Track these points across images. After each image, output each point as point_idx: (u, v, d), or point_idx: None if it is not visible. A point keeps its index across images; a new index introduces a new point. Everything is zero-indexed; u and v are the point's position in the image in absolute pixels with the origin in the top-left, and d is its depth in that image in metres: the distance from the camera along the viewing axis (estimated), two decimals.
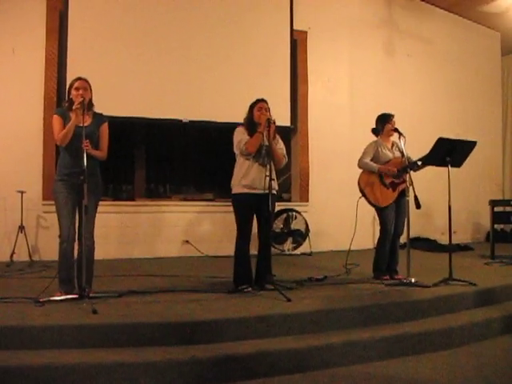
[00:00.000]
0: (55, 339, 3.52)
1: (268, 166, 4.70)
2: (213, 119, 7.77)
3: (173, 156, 8.98)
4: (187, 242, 7.59)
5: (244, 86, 7.79)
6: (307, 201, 8.45)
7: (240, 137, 4.92)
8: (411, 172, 5.22)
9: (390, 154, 5.56)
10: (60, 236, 4.36)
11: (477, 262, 7.01)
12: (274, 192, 4.87)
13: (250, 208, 4.87)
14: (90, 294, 4.26)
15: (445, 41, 9.81)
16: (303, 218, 8.06)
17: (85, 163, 4.19)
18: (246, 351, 3.58)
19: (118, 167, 8.29)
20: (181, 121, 7.64)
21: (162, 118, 7.56)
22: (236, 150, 4.95)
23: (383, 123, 5.60)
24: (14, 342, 3.47)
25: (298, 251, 7.98)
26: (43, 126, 7.03)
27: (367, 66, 9.03)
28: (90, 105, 4.51)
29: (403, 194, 5.37)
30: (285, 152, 5.10)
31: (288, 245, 7.94)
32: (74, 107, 4.35)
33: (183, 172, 9.12)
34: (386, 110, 5.76)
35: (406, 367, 3.76)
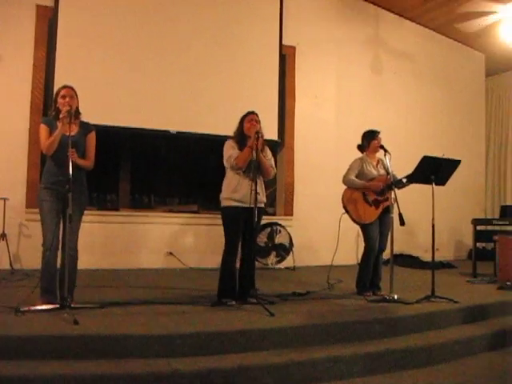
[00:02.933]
0: (35, 349, 3.47)
1: (256, 180, 4.70)
2: (200, 131, 7.77)
3: (158, 167, 8.95)
4: (171, 253, 7.55)
5: (232, 99, 7.81)
6: (291, 215, 8.47)
7: (230, 151, 4.92)
8: (395, 189, 5.26)
9: (374, 172, 5.59)
10: (43, 244, 4.32)
11: (459, 279, 7.05)
12: (262, 205, 4.90)
13: (240, 221, 4.86)
14: (72, 305, 4.22)
15: (431, 60, 9.95)
16: (287, 232, 8.07)
17: (70, 172, 4.17)
18: (228, 365, 3.55)
19: (102, 176, 8.23)
20: (168, 131, 7.63)
21: (149, 128, 7.55)
22: (226, 164, 4.95)
23: (369, 139, 5.64)
24: None
25: (281, 265, 7.98)
26: (28, 134, 6.99)
27: (354, 82, 9.12)
28: (77, 113, 4.50)
29: (387, 210, 5.40)
30: (273, 163, 5.11)
31: (272, 259, 7.93)
32: (60, 116, 4.32)
33: (168, 183, 9.09)
34: (372, 126, 5.80)
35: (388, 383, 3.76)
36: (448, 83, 10.13)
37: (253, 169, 4.82)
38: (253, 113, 5.05)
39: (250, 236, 4.87)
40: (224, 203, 4.95)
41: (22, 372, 3.23)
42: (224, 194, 4.97)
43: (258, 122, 5.00)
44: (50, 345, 3.50)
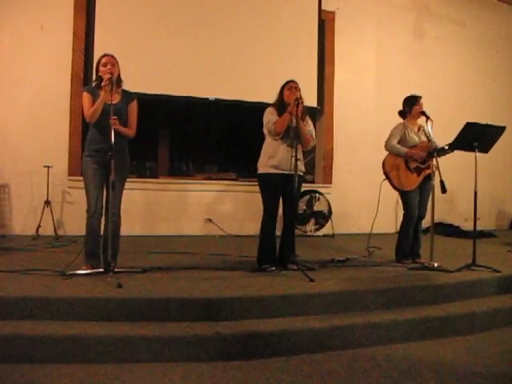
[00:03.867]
0: (81, 311, 3.59)
1: (295, 147, 4.69)
2: (238, 98, 7.75)
3: (197, 134, 8.99)
4: (210, 220, 7.63)
5: (271, 66, 7.75)
6: (330, 183, 8.44)
7: (269, 117, 4.92)
8: (437, 156, 5.17)
9: (416, 138, 5.51)
10: (87, 210, 4.42)
11: (500, 249, 6.95)
12: (301, 173, 4.90)
13: (277, 188, 4.88)
14: (115, 269, 4.33)
15: (476, 24, 9.62)
16: (326, 199, 8.05)
17: (112, 140, 4.23)
18: (269, 329, 3.61)
19: (142, 144, 8.31)
20: (207, 99, 7.64)
21: (188, 95, 7.56)
22: (265, 130, 4.95)
23: (411, 105, 5.54)
24: (40, 312, 3.55)
25: (320, 233, 7.99)
26: (70, 103, 7.09)
27: (395, 47, 8.93)
28: (119, 81, 4.55)
29: (428, 177, 5.33)
30: (313, 133, 5.08)
31: (310, 226, 7.94)
32: (102, 84, 4.36)
33: (207, 151, 9.14)
34: (413, 92, 5.69)
35: (428, 350, 3.76)
36: (494, 48, 9.80)
37: (292, 135, 4.80)
38: (292, 81, 5.02)
39: (290, 203, 4.88)
40: (261, 170, 4.97)
41: (69, 332, 3.36)
42: (261, 161, 4.99)
43: (298, 89, 4.96)
44: (95, 307, 3.62)
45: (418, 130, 5.61)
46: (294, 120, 4.78)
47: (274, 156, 4.87)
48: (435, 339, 3.98)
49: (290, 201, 4.85)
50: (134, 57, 6.98)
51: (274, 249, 4.96)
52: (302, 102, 4.80)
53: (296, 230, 5.54)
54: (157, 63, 7.36)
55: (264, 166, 4.93)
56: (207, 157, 9.15)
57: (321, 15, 8.28)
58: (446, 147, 5.25)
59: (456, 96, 9.35)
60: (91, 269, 4.37)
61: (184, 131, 8.87)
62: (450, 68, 9.40)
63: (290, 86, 4.96)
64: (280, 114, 4.87)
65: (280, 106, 4.95)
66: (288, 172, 4.72)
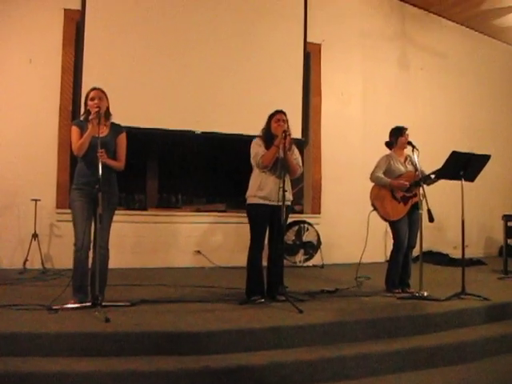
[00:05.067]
0: (68, 347, 3.54)
1: (284, 178, 4.71)
2: (224, 131, 7.81)
3: (185, 167, 9.02)
4: (199, 252, 7.60)
5: (256, 98, 7.83)
6: (319, 213, 8.46)
7: (256, 149, 4.96)
8: (424, 185, 5.21)
9: (402, 168, 5.56)
10: (75, 244, 4.40)
11: (490, 276, 6.96)
12: (289, 203, 4.93)
13: (265, 219, 4.90)
14: (103, 303, 4.28)
15: (459, 55, 9.80)
16: (315, 230, 8.06)
17: (100, 173, 4.23)
18: (259, 362, 3.58)
19: (130, 177, 8.32)
20: (193, 132, 7.69)
21: (174, 129, 7.62)
22: (252, 162, 4.98)
23: (397, 136, 5.61)
24: (27, 348, 3.49)
25: (309, 263, 7.97)
26: (58, 136, 7.10)
27: (381, 78, 9.05)
28: (107, 114, 4.58)
29: (416, 206, 5.36)
30: (300, 162, 5.13)
31: (300, 257, 7.93)
32: (90, 118, 4.40)
33: (195, 183, 9.15)
34: (399, 122, 5.78)
35: (419, 381, 3.74)
36: (477, 77, 9.96)
37: (279, 167, 4.84)
38: (280, 112, 5.06)
39: (278, 234, 4.89)
40: (250, 201, 4.99)
41: (56, 368, 3.31)
42: (250, 192, 5.01)
43: (286, 121, 5.01)
44: (82, 342, 3.57)
45: (405, 160, 5.66)
46: (282, 152, 4.81)
47: (262, 188, 4.90)
48: (426, 369, 3.95)
49: (278, 231, 4.86)
50: (122, 90, 7.02)
51: (262, 280, 4.94)
52: (290, 134, 4.84)
53: (285, 261, 5.53)
54: (144, 97, 7.42)
55: (253, 197, 4.95)
56: (196, 188, 9.16)
57: (306, 47, 8.40)
58: (432, 176, 5.29)
59: (442, 125, 9.46)
60: (79, 303, 4.32)
61: (172, 163, 8.89)
62: (435, 98, 9.53)
63: (278, 118, 5.00)
64: (267, 146, 4.91)
65: (267, 137, 4.99)
66: (276, 203, 4.74)
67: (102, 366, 3.38)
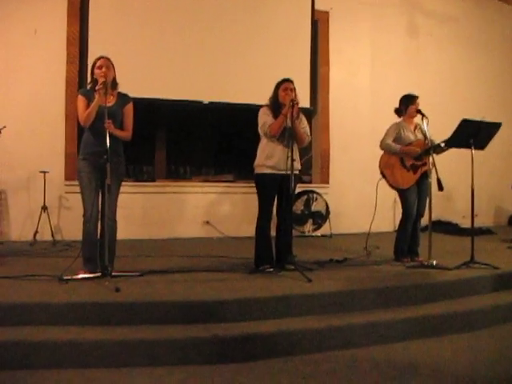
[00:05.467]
0: (79, 316, 3.58)
1: (291, 147, 4.68)
2: (232, 101, 7.75)
3: (193, 137, 8.99)
4: (208, 222, 7.62)
5: (264, 67, 7.74)
6: (328, 182, 8.43)
7: (264, 118, 4.92)
8: (434, 154, 5.17)
9: (412, 136, 5.50)
10: (84, 215, 4.40)
11: (499, 245, 6.95)
12: (297, 172, 4.91)
13: (273, 188, 4.89)
14: (113, 273, 4.31)
15: (471, 21, 9.61)
16: (324, 199, 8.04)
17: (108, 143, 4.22)
18: (267, 330, 3.60)
19: (138, 148, 8.31)
20: (201, 102, 7.64)
21: (182, 99, 7.57)
22: (260, 131, 4.95)
23: (407, 104, 5.53)
24: (38, 317, 3.54)
25: (318, 233, 7.98)
26: (65, 107, 7.08)
27: (389, 46, 8.92)
28: (114, 84, 4.54)
29: (425, 175, 5.33)
30: (308, 131, 5.09)
31: (308, 226, 7.94)
32: (96, 87, 4.36)
33: (203, 153, 9.12)
34: (408, 91, 5.70)
35: (427, 349, 3.75)
36: (489, 45, 9.78)
37: (287, 136, 4.80)
38: (288, 80, 5.00)
39: (287, 203, 4.88)
40: (257, 170, 4.97)
41: (67, 337, 3.35)
42: (258, 161, 4.99)
43: (293, 89, 4.96)
44: (93, 311, 3.61)
45: (415, 128, 5.60)
46: (289, 121, 4.77)
47: (271, 157, 4.87)
48: (434, 337, 3.97)
49: (287, 201, 4.85)
50: (128, 61, 6.94)
51: (271, 249, 4.95)
52: (297, 103, 4.80)
53: (294, 231, 5.53)
54: (151, 67, 7.36)
55: (261, 166, 4.93)
56: (204, 159, 9.14)
57: (314, 15, 8.28)
58: (442, 144, 5.24)
59: (452, 93, 9.34)
60: (89, 273, 4.35)
61: (181, 134, 8.85)
62: (444, 65, 9.39)
63: (285, 86, 4.94)
64: (275, 115, 4.88)
65: (275, 106, 4.94)
66: (284, 172, 4.72)
67: (112, 335, 3.42)
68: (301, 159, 5.18)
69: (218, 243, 7.08)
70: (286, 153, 4.72)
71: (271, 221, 4.98)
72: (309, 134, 5.10)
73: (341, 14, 8.55)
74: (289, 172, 4.64)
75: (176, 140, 8.74)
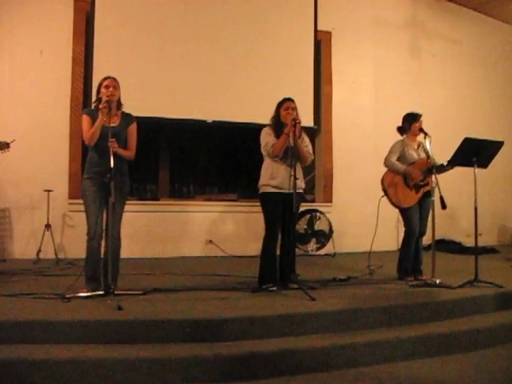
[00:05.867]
0: (81, 334, 3.56)
1: (294, 166, 4.70)
2: (236, 120, 7.80)
3: (197, 156, 9.03)
4: (211, 241, 7.62)
5: (267, 87, 7.80)
6: (331, 201, 8.43)
7: (267, 138, 4.95)
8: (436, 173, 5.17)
9: (415, 155, 5.51)
10: (88, 233, 4.41)
11: (503, 264, 6.92)
12: (301, 191, 4.92)
13: (279, 207, 4.88)
14: (116, 292, 4.30)
15: (472, 41, 9.69)
16: (327, 218, 8.05)
17: (112, 162, 4.24)
18: (271, 349, 3.58)
19: (142, 167, 8.35)
20: (205, 121, 7.68)
21: (186, 118, 7.62)
22: (263, 151, 4.98)
23: (410, 122, 5.55)
24: (41, 336, 3.52)
25: (321, 252, 7.96)
26: (69, 126, 7.13)
27: (392, 66, 8.98)
28: (119, 104, 4.58)
29: (428, 194, 5.33)
30: (311, 149, 5.12)
31: (312, 245, 7.93)
32: (100, 106, 4.40)
33: (207, 172, 9.16)
34: (411, 110, 5.71)
35: (432, 368, 3.72)
36: (490, 64, 9.85)
37: (290, 155, 4.82)
38: (289, 99, 5.04)
39: (290, 222, 4.88)
40: (262, 190, 4.98)
41: (69, 355, 3.32)
42: (262, 181, 5.00)
43: (295, 108, 4.99)
44: (95, 329, 3.59)
45: (418, 146, 5.62)
46: (292, 140, 4.79)
47: (275, 177, 4.89)
48: (439, 356, 3.94)
49: (290, 219, 4.85)
50: (132, 80, 7.00)
51: (276, 268, 4.93)
52: (299, 122, 4.82)
53: (297, 250, 5.53)
54: (155, 86, 7.42)
55: (266, 185, 4.95)
56: (207, 178, 9.17)
57: (317, 35, 8.35)
58: (445, 164, 5.25)
59: (455, 112, 9.38)
60: (91, 292, 4.35)
61: (184, 153, 8.90)
62: (448, 85, 9.45)
63: (287, 106, 4.98)
64: (277, 134, 4.90)
65: (277, 125, 4.97)
66: (288, 191, 4.73)
67: (114, 354, 3.40)
68: (304, 178, 5.19)
69: (220, 262, 7.06)
70: (290, 172, 4.73)
71: (278, 239, 4.98)
72: (311, 152, 5.12)
73: (343, 34, 8.63)
74: (293, 191, 4.65)
75: (179, 159, 8.78)
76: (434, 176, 5.15)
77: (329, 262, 7.17)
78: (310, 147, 5.10)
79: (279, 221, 4.94)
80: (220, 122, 7.79)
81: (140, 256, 6.98)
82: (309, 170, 7.96)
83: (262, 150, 4.99)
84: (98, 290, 4.36)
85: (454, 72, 9.53)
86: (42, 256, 6.63)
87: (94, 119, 4.45)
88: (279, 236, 4.98)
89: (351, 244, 8.09)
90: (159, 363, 3.36)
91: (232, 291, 4.78)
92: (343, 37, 8.64)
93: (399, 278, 5.46)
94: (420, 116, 5.57)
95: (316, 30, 8.34)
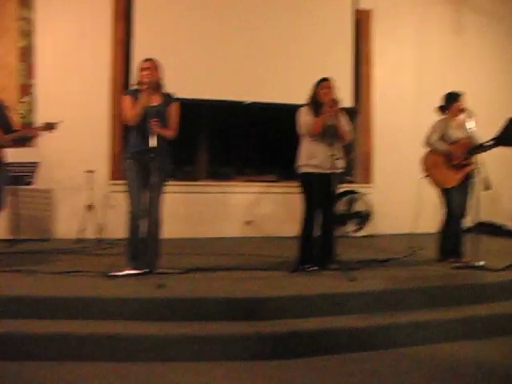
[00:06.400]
0: (125, 311, 3.65)
1: (334, 145, 4.67)
2: (274, 100, 7.76)
3: (235, 137, 9.03)
4: (250, 222, 7.64)
5: (306, 67, 7.70)
6: (371, 182, 8.35)
7: (304, 117, 4.91)
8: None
9: (457, 134, 5.38)
10: (129, 212, 4.48)
11: None
12: (341, 170, 4.90)
13: (318, 187, 4.85)
14: (157, 270, 4.37)
15: None
16: (366, 199, 7.98)
17: (153, 142, 4.29)
18: (310, 328, 3.60)
19: (181, 148, 8.39)
20: (243, 102, 7.68)
21: (224, 99, 7.62)
22: (300, 131, 4.94)
23: (451, 101, 5.43)
24: (85, 312, 3.62)
25: (361, 233, 7.91)
26: (110, 107, 7.21)
27: (435, 44, 8.76)
28: (159, 85, 4.61)
29: (469, 175, 5.23)
30: (349, 127, 5.07)
31: (351, 226, 7.88)
32: (142, 87, 4.45)
33: (246, 153, 9.15)
34: (453, 89, 5.59)
35: (474, 350, 3.69)
36: None
37: (329, 135, 4.78)
38: (327, 79, 4.99)
39: (330, 202, 4.87)
40: (302, 170, 4.96)
41: (113, 331, 3.42)
42: (301, 161, 4.98)
43: (333, 88, 4.94)
44: (138, 306, 3.68)
45: (460, 126, 5.49)
46: (330, 119, 4.76)
47: (314, 156, 4.87)
48: (482, 339, 3.89)
49: (330, 199, 4.83)
50: (173, 61, 6.96)
51: (315, 248, 4.92)
52: (338, 101, 4.78)
53: (336, 231, 5.49)
54: (194, 68, 7.42)
55: (305, 166, 4.92)
56: (246, 159, 9.16)
57: (356, 14, 8.21)
58: (488, 143, 5.13)
59: (498, 92, 9.12)
60: (133, 270, 4.43)
61: (222, 134, 8.91)
62: (490, 63, 9.18)
63: (324, 85, 4.93)
64: (315, 114, 4.86)
65: (314, 105, 4.93)
66: (328, 171, 4.71)
67: (155, 330, 3.47)
68: (345, 157, 5.15)
69: (259, 242, 7.09)
70: (329, 151, 4.70)
71: (316, 220, 4.96)
72: (350, 130, 5.07)
73: (383, 12, 8.43)
74: (333, 170, 4.62)
75: (218, 140, 8.80)
76: (476, 156, 5.04)
77: (368, 244, 7.12)
78: (348, 126, 5.05)
79: (319, 201, 4.92)
80: (258, 103, 7.76)
81: (180, 236, 7.02)
82: (348, 151, 7.88)
83: (300, 129, 4.96)
84: (140, 269, 4.43)
85: (498, 49, 9.24)
86: (83, 236, 6.76)
87: (135, 99, 4.50)
88: (319, 217, 4.96)
89: (391, 225, 7.99)
90: (200, 340, 3.43)
91: (271, 271, 4.80)
92: (383, 15, 8.45)
93: (440, 260, 5.39)
94: (460, 95, 5.44)
95: (356, 8, 8.20)
